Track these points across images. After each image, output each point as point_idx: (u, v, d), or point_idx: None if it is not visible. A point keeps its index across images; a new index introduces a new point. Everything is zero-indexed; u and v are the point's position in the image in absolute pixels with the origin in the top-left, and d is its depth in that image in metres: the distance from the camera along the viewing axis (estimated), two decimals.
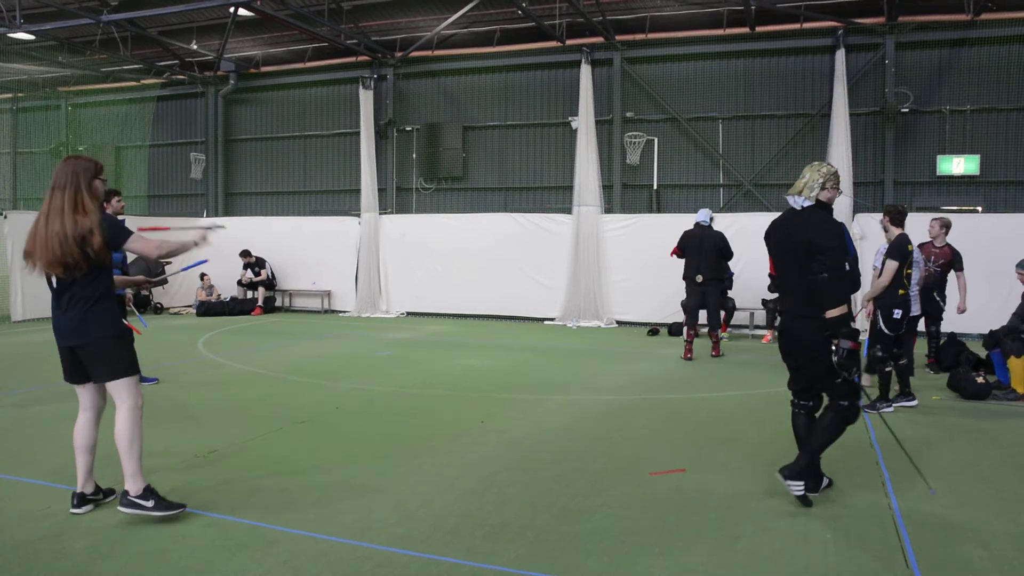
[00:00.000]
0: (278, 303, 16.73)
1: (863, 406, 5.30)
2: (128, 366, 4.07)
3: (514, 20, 15.05)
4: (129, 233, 4.10)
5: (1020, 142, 12.92)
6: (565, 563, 3.59)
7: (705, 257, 9.94)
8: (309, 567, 3.52)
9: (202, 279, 16.27)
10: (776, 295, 8.40)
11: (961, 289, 8.55)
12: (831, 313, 4.20)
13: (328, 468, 5.06)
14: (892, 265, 6.58)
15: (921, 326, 7.93)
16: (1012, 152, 12.97)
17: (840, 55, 13.25)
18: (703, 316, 10.48)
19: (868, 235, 12.06)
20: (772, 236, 4.67)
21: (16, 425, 6.23)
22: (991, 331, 7.76)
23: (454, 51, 16.14)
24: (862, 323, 8.61)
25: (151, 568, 3.50)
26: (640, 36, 14.81)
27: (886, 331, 6.72)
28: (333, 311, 16.27)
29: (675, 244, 10.38)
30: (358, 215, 16.05)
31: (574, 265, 14.27)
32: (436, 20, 15.18)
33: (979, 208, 13.16)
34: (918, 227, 8.74)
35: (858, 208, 12.92)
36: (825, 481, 4.58)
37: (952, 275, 8.63)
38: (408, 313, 15.62)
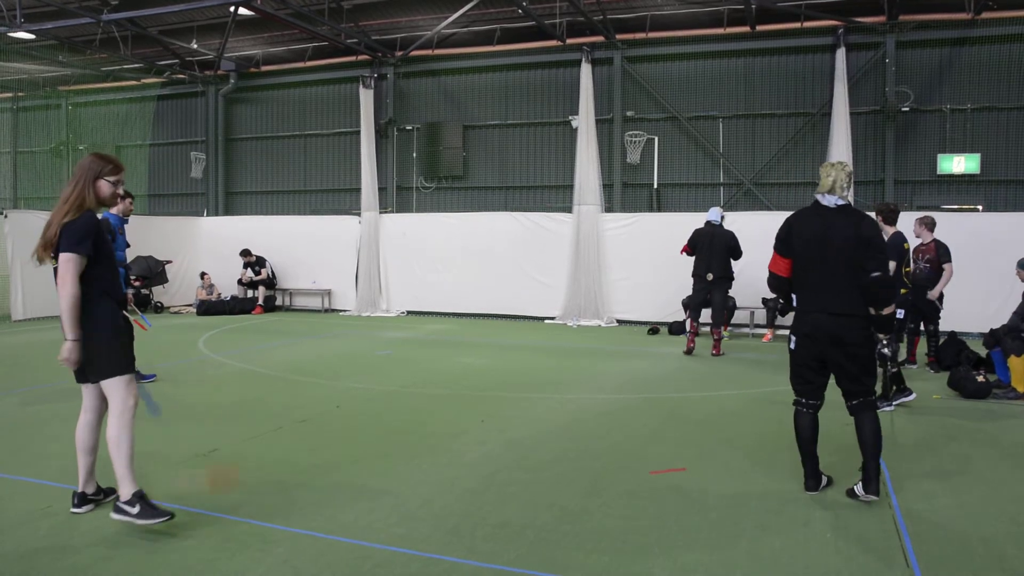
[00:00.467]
0: (278, 302, 16.73)
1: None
2: (118, 365, 3.97)
3: (514, 19, 15.05)
4: (69, 250, 3.82)
5: (1021, 141, 12.92)
6: (565, 563, 3.58)
7: (715, 255, 10.07)
8: (309, 567, 3.52)
9: (202, 278, 16.29)
10: (775, 295, 8.38)
11: (942, 279, 8.59)
12: (888, 310, 4.24)
13: (328, 467, 5.06)
14: (891, 265, 6.58)
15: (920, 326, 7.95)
16: (1012, 151, 12.97)
17: (841, 54, 13.25)
18: (705, 315, 10.54)
19: None
20: (800, 233, 4.48)
21: (17, 425, 6.23)
22: (991, 330, 7.75)
23: (454, 50, 16.14)
24: None
25: (151, 568, 3.50)
26: (640, 35, 14.80)
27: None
28: (333, 310, 16.27)
29: (684, 242, 10.48)
30: (358, 214, 16.05)
31: (574, 264, 14.27)
32: (436, 19, 15.18)
33: (979, 207, 13.17)
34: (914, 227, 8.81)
35: (859, 207, 12.87)
36: (824, 480, 4.59)
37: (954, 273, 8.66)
38: (408, 312, 15.62)
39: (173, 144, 19.10)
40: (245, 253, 16.07)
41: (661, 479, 4.82)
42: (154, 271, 15.41)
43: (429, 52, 16.10)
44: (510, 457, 5.30)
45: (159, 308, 15.93)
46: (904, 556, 3.66)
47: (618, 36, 14.65)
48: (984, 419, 6.56)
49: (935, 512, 4.25)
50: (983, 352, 8.17)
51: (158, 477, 4.70)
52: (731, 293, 12.23)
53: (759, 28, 13.95)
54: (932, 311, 8.68)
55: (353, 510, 4.24)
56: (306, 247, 16.42)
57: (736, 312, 12.52)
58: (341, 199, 17.24)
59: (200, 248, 17.23)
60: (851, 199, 4.56)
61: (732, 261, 10.30)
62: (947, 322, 8.97)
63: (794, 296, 4.55)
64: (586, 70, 14.71)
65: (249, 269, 16.17)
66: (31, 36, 15.42)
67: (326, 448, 5.58)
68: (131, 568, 3.50)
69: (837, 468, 4.86)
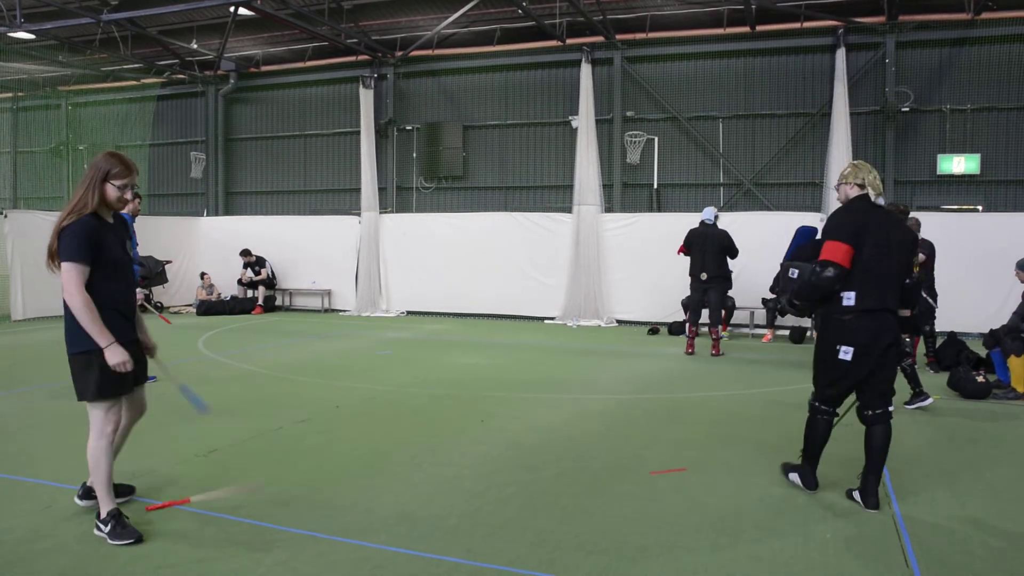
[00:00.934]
0: (278, 302, 16.73)
1: None
2: (90, 390, 3.74)
3: (514, 19, 15.05)
4: (69, 259, 3.68)
5: (1020, 141, 12.93)
6: (565, 563, 3.58)
7: (709, 255, 10.05)
8: (308, 567, 3.52)
9: (202, 278, 16.29)
10: (774, 295, 8.37)
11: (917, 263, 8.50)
12: (913, 312, 4.26)
13: (328, 468, 5.06)
14: None
15: None
16: (1012, 151, 12.98)
17: (840, 54, 13.25)
18: (704, 315, 10.54)
19: None
20: (871, 230, 4.26)
21: (17, 424, 6.23)
22: (991, 330, 7.75)
23: (454, 50, 16.14)
24: None
25: (150, 567, 3.50)
26: (640, 35, 14.81)
27: None
28: (333, 310, 16.27)
29: (680, 242, 10.45)
30: (358, 214, 16.05)
31: (574, 264, 14.27)
32: (436, 19, 15.18)
33: (979, 207, 13.17)
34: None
35: None
36: (794, 476, 4.61)
37: (936, 273, 8.54)
38: (408, 312, 15.62)
39: (173, 144, 19.09)
40: (245, 253, 16.07)
41: (661, 479, 4.82)
42: (154, 271, 15.37)
43: (429, 52, 16.10)
44: (510, 457, 5.30)
45: (159, 308, 15.92)
46: (904, 557, 3.66)
47: (618, 36, 14.65)
48: (984, 419, 6.56)
49: (935, 512, 4.25)
50: (983, 352, 8.17)
51: (158, 476, 4.70)
52: (730, 293, 12.25)
53: (759, 28, 13.95)
54: (927, 311, 8.65)
55: (353, 510, 4.24)
56: (306, 247, 16.42)
57: (736, 312, 12.52)
58: (341, 199, 17.24)
59: (200, 248, 17.23)
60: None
61: (729, 260, 10.31)
62: (947, 322, 8.95)
63: (844, 295, 4.24)
64: (586, 70, 14.71)
65: (249, 269, 16.17)
66: (31, 36, 15.43)
67: (326, 448, 5.58)
68: (130, 567, 3.49)
69: (837, 468, 4.85)
